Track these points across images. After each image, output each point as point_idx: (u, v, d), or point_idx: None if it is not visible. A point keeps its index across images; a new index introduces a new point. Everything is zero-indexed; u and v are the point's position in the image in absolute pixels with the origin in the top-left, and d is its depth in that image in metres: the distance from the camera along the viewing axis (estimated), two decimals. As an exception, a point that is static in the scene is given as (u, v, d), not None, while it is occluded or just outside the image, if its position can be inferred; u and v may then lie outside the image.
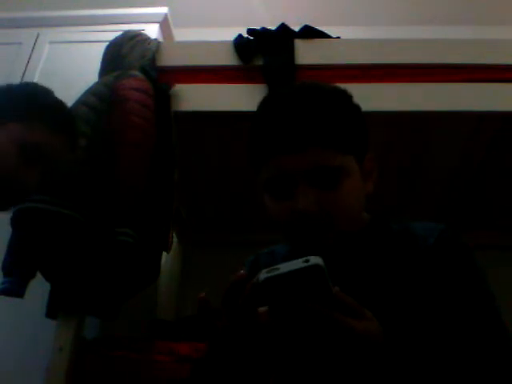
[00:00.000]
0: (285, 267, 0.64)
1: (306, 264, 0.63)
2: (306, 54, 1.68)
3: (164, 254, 1.57)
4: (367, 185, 0.89)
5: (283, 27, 1.76)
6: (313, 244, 0.84)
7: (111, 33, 1.85)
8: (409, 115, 1.61)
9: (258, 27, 1.77)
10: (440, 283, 0.83)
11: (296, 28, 1.76)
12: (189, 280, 2.28)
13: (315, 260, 0.64)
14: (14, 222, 1.36)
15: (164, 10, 2.22)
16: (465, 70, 1.61)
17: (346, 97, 0.90)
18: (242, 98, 1.60)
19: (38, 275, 1.38)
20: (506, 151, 1.77)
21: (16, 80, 2.06)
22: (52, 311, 1.37)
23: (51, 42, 2.18)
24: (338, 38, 1.81)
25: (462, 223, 2.08)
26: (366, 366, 0.67)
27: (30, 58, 2.14)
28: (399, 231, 0.91)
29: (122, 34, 1.76)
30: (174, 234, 1.89)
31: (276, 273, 0.64)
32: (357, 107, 0.90)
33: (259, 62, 1.67)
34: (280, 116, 0.84)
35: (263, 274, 0.64)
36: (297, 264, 0.64)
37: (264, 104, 0.90)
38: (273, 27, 1.77)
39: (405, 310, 0.81)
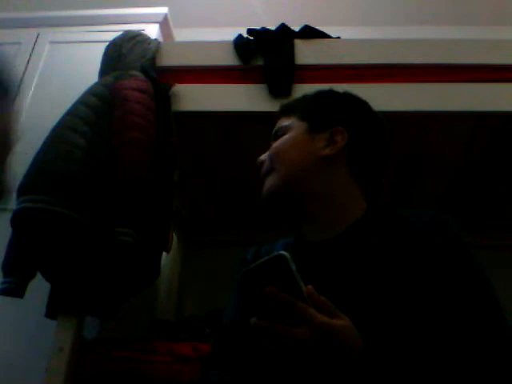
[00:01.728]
0: (255, 263, 0.70)
1: (268, 256, 0.69)
2: (306, 53, 1.68)
3: (164, 254, 1.57)
4: (326, 150, 1.00)
5: (283, 27, 1.76)
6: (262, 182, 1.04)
7: (111, 33, 1.84)
8: (409, 115, 1.61)
9: (258, 27, 1.77)
10: (431, 270, 0.84)
11: (296, 28, 1.76)
12: (189, 280, 2.28)
13: (281, 252, 0.69)
14: (14, 222, 1.36)
15: (164, 10, 2.22)
16: (465, 70, 1.61)
17: (322, 91, 1.13)
18: (242, 98, 1.60)
19: (38, 275, 1.38)
20: (506, 151, 1.77)
21: (16, 80, 2.06)
22: (52, 311, 1.37)
23: (51, 42, 2.18)
24: (338, 38, 1.81)
25: (461, 223, 2.08)
26: (342, 366, 0.69)
27: (29, 58, 2.14)
28: (394, 220, 0.96)
29: (122, 34, 1.76)
30: (173, 234, 1.89)
31: (247, 268, 0.70)
32: (326, 93, 1.12)
33: (259, 62, 1.67)
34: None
35: (240, 272, 0.70)
36: (266, 257, 0.70)
37: None
38: (273, 27, 1.77)
39: (397, 301, 0.81)
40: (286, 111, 1.10)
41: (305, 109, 1.08)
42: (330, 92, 1.12)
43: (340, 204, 0.98)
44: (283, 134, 1.05)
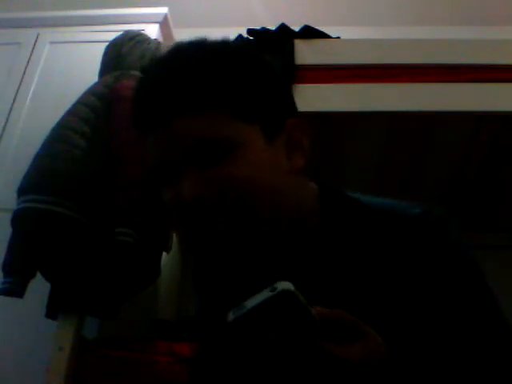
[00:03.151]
0: (251, 302, 0.56)
1: (272, 293, 0.56)
2: (306, 54, 1.68)
3: (164, 253, 1.57)
4: (294, 158, 0.71)
5: (283, 27, 1.76)
6: (210, 239, 0.66)
7: (111, 33, 1.85)
8: (409, 115, 1.61)
9: (258, 27, 1.77)
10: (424, 269, 0.70)
11: (296, 28, 1.76)
12: (189, 280, 2.28)
13: (283, 285, 0.56)
14: (15, 222, 1.36)
15: (164, 10, 2.22)
16: (464, 70, 1.60)
17: (224, 53, 0.71)
18: (242, 98, 1.60)
19: (38, 275, 1.38)
20: (506, 151, 1.77)
21: (16, 80, 2.07)
22: (52, 311, 1.37)
23: (51, 42, 2.18)
24: (338, 38, 1.81)
25: (462, 223, 2.08)
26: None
27: (29, 58, 2.14)
28: (359, 216, 0.75)
29: (122, 34, 1.76)
30: (174, 234, 1.89)
31: (243, 311, 0.56)
32: (246, 63, 0.71)
33: (259, 62, 1.67)
34: (141, 90, 0.71)
35: (230, 316, 0.57)
36: (263, 295, 0.56)
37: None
38: (273, 27, 1.77)
39: (393, 310, 0.69)
40: (197, 106, 0.66)
41: (246, 100, 0.68)
42: (255, 63, 0.73)
43: (304, 207, 0.75)
44: (226, 149, 0.65)
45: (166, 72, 0.68)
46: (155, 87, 0.68)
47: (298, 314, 0.57)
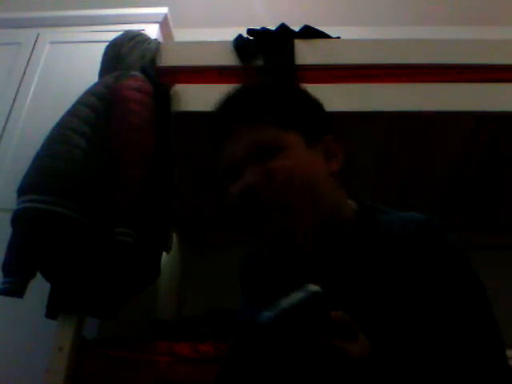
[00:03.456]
0: (286, 302, 0.63)
1: (306, 295, 0.63)
2: (306, 54, 1.68)
3: (164, 253, 1.57)
4: (330, 163, 0.90)
5: (283, 27, 1.76)
6: (268, 224, 0.83)
7: (111, 33, 1.84)
8: (409, 115, 1.61)
9: (258, 27, 1.77)
10: (418, 279, 0.80)
11: (296, 28, 1.76)
12: (189, 280, 2.28)
13: (313, 288, 0.64)
14: (15, 222, 1.36)
15: (164, 10, 2.22)
16: (464, 70, 1.60)
17: (273, 84, 0.98)
18: (242, 98, 1.60)
19: (38, 275, 1.38)
20: (506, 151, 1.77)
21: (16, 80, 2.07)
22: (52, 311, 1.37)
23: (51, 42, 2.18)
24: (338, 38, 1.81)
25: (462, 223, 2.08)
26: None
27: (29, 58, 2.14)
28: (383, 227, 0.88)
29: (122, 35, 1.76)
30: (173, 234, 1.89)
31: (280, 310, 0.63)
32: (287, 90, 0.96)
33: (259, 62, 1.67)
34: (215, 113, 0.92)
35: (266, 313, 0.63)
36: (297, 296, 0.64)
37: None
38: (273, 27, 1.77)
39: (390, 310, 0.79)
40: (251, 118, 0.87)
41: (289, 115, 0.89)
42: (299, 91, 0.96)
43: (339, 212, 0.90)
44: (274, 151, 0.84)
45: (230, 99, 0.92)
46: (224, 109, 0.91)
47: (322, 314, 0.64)
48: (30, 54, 2.15)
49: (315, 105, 0.95)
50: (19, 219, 1.35)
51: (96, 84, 1.60)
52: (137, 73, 1.60)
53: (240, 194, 0.85)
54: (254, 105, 0.88)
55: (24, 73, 2.11)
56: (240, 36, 1.75)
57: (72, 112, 1.50)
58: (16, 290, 1.34)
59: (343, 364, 0.64)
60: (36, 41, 2.18)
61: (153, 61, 1.69)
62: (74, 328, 1.34)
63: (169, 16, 2.23)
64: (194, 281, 2.27)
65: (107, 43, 1.76)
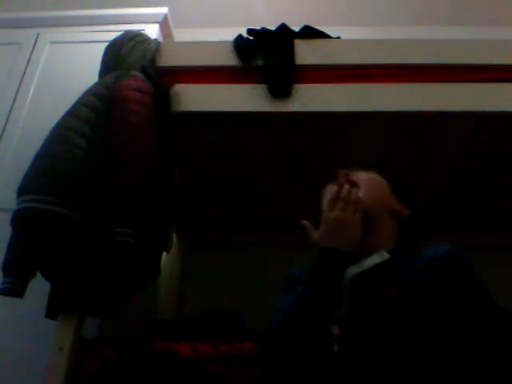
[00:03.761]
0: (367, 263, 0.82)
1: (382, 259, 0.82)
2: (306, 54, 1.68)
3: (164, 253, 1.57)
4: (400, 208, 1.23)
5: (283, 27, 1.76)
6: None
7: (111, 33, 1.84)
8: (409, 115, 1.61)
9: (258, 27, 1.77)
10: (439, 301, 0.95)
11: (296, 28, 1.76)
12: (189, 280, 2.28)
13: (386, 255, 0.82)
14: (15, 222, 1.36)
15: (164, 10, 2.22)
16: (464, 70, 1.61)
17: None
18: (242, 98, 1.60)
19: (38, 275, 1.38)
20: (506, 151, 1.77)
21: (16, 80, 2.07)
22: (52, 311, 1.37)
23: (51, 42, 2.18)
24: (338, 38, 1.81)
25: (462, 223, 2.08)
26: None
27: (29, 58, 2.14)
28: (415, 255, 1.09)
29: (122, 35, 1.76)
30: (173, 234, 1.89)
31: (362, 268, 0.81)
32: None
33: (259, 62, 1.67)
34: None
35: (351, 270, 0.82)
36: (376, 259, 0.82)
37: None
38: (273, 27, 1.77)
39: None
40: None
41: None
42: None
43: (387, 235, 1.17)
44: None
45: None
46: None
47: (388, 278, 0.82)
48: (30, 54, 2.15)
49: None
50: (19, 219, 1.35)
51: (96, 84, 1.60)
52: (137, 73, 1.60)
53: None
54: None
55: (24, 73, 2.11)
56: (240, 36, 1.75)
57: (72, 112, 1.50)
58: (16, 290, 1.34)
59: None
60: (36, 41, 2.18)
61: (153, 61, 1.69)
62: (73, 328, 1.34)
63: (169, 16, 2.23)
64: (193, 281, 2.27)
65: (107, 43, 1.76)
